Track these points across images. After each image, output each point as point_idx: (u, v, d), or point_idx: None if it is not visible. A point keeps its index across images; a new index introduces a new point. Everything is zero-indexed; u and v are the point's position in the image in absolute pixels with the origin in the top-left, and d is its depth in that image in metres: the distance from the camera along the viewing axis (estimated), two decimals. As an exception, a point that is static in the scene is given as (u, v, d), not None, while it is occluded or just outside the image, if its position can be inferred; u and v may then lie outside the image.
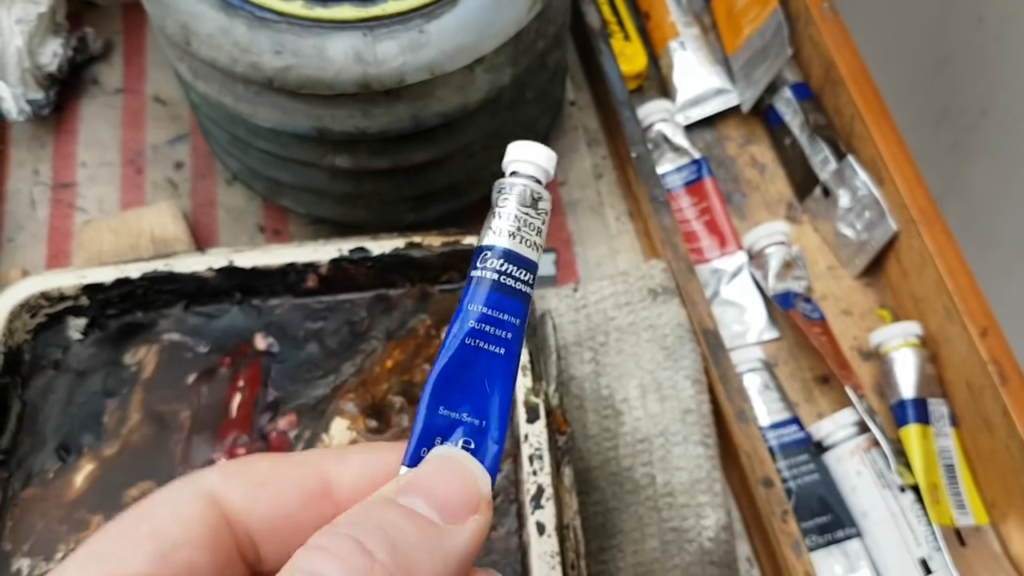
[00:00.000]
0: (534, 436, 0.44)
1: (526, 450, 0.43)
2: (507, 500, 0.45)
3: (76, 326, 0.50)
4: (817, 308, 0.55)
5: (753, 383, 0.54)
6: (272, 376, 0.50)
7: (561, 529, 0.42)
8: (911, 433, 0.52)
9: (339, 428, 0.48)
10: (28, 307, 0.47)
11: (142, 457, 0.47)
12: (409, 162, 0.53)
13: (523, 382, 0.45)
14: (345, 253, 0.51)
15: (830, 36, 0.59)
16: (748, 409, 0.50)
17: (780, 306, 0.55)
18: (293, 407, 0.49)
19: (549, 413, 0.45)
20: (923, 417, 0.52)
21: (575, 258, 0.60)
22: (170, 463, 0.47)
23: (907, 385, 0.53)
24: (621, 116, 0.60)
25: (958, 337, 0.51)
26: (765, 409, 0.53)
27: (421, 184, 0.55)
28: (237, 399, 0.48)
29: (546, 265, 0.60)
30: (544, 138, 0.61)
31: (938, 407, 0.53)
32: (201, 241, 0.60)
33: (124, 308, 0.50)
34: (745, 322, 0.58)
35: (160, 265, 0.50)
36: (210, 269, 0.50)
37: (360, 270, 0.51)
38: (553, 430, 0.45)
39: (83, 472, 0.47)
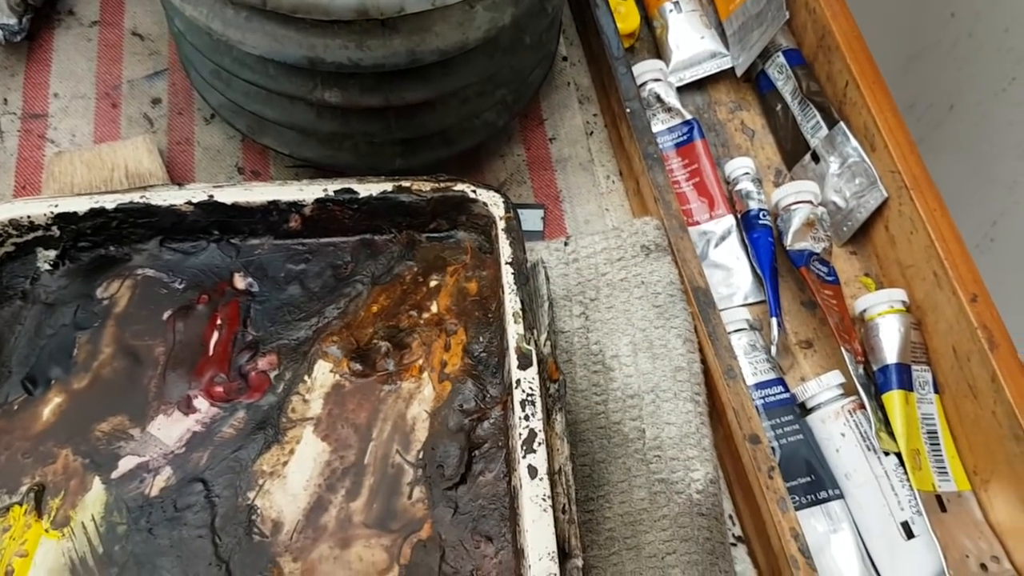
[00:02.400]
0: (526, 382, 0.43)
1: (518, 396, 0.42)
2: (496, 446, 0.44)
3: (46, 257, 0.48)
4: (834, 272, 0.55)
5: (740, 343, 0.53)
6: (252, 316, 0.48)
7: (552, 474, 0.41)
8: (894, 399, 0.52)
9: (322, 370, 0.47)
10: None
11: (113, 391, 0.45)
12: (402, 100, 0.51)
13: (515, 329, 0.44)
14: (331, 193, 0.49)
15: (826, 2, 0.59)
16: (736, 367, 0.49)
17: (794, 263, 0.55)
18: (274, 347, 0.47)
19: (541, 361, 0.44)
20: (906, 383, 0.52)
21: (563, 215, 0.59)
22: (143, 398, 0.45)
23: (891, 351, 0.53)
24: (616, 71, 0.59)
25: (946, 303, 0.51)
26: (751, 369, 0.52)
27: (411, 127, 0.54)
28: (215, 337, 0.46)
29: (534, 220, 0.59)
30: (536, 91, 0.60)
31: (922, 374, 0.53)
32: (177, 179, 0.57)
33: (97, 241, 0.48)
34: (732, 285, 0.57)
35: (136, 197, 0.48)
36: (188, 203, 0.48)
37: (346, 212, 0.50)
38: (545, 378, 0.44)
39: (51, 405, 0.45)
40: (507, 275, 0.46)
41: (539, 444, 0.40)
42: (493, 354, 0.46)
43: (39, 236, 0.47)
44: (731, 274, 0.58)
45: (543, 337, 0.46)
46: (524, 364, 0.43)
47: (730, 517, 0.49)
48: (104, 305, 0.47)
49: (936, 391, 0.53)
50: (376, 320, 0.48)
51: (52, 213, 0.46)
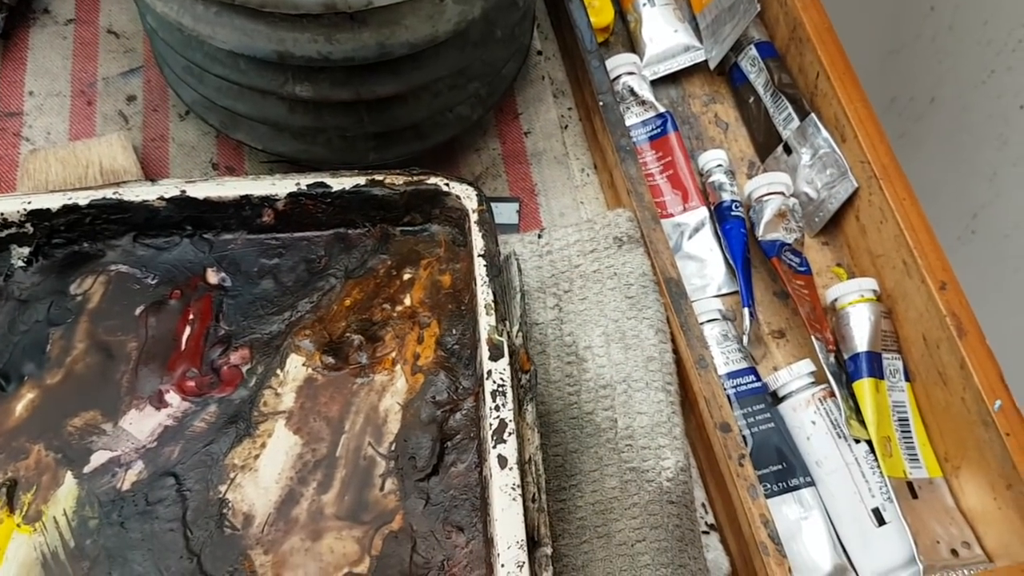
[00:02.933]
0: (497, 373, 0.43)
1: (489, 386, 0.42)
2: (468, 437, 0.44)
3: (19, 254, 0.48)
4: (806, 263, 0.56)
5: (712, 333, 0.53)
6: (224, 310, 0.48)
7: (522, 463, 0.41)
8: (864, 387, 0.52)
9: (294, 364, 0.47)
10: None
11: (86, 386, 0.45)
12: (373, 94, 0.51)
13: (487, 321, 0.44)
14: (304, 188, 0.49)
15: (798, -6, 0.59)
16: (707, 356, 0.50)
17: (765, 254, 0.55)
18: (246, 342, 0.47)
19: (512, 352, 0.44)
20: (877, 371, 0.53)
21: (539, 208, 0.59)
22: (115, 393, 0.45)
23: (861, 339, 0.53)
24: (589, 65, 0.59)
25: (916, 291, 0.52)
26: (723, 359, 0.53)
27: (384, 121, 0.54)
28: (187, 332, 0.47)
29: (509, 214, 0.59)
30: (510, 85, 0.60)
31: (892, 362, 0.54)
32: (152, 175, 0.58)
33: (70, 237, 0.48)
34: (706, 275, 0.58)
35: (109, 193, 0.48)
36: (161, 199, 0.48)
37: (319, 207, 0.50)
38: (516, 369, 0.44)
39: (23, 401, 0.45)
40: (479, 267, 0.47)
41: (509, 434, 0.41)
42: (466, 346, 0.47)
43: (12, 233, 0.47)
44: (704, 265, 0.58)
45: (515, 328, 0.46)
46: (495, 355, 0.44)
47: (703, 505, 0.50)
48: (78, 301, 0.47)
49: (907, 379, 0.54)
50: (349, 314, 0.48)
51: (25, 210, 0.46)
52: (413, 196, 0.50)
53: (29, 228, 0.47)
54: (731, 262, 0.56)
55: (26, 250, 0.47)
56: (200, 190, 0.48)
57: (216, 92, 0.53)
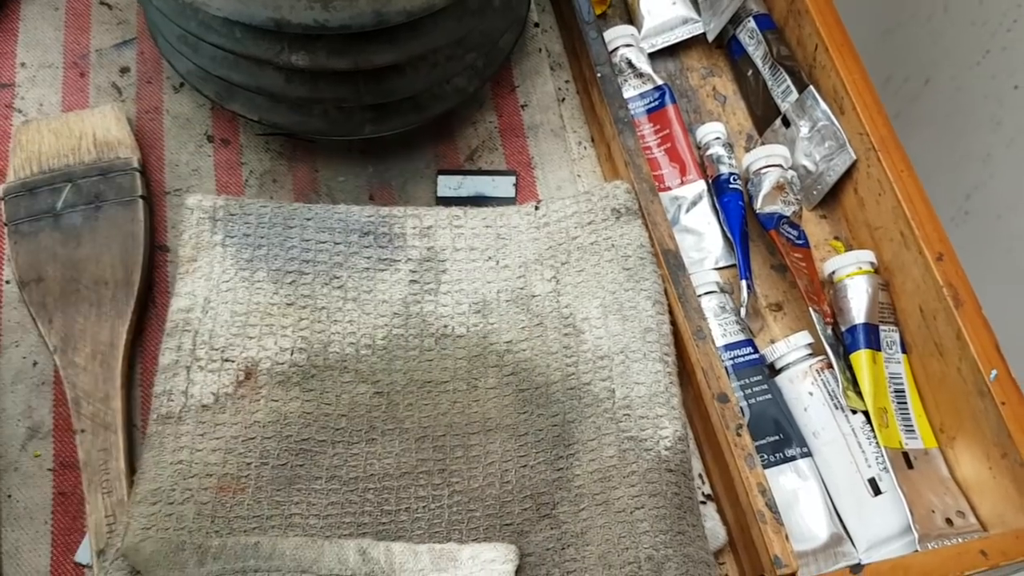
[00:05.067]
0: None
1: None
2: None
3: None
4: (803, 235, 0.55)
5: (710, 305, 0.53)
6: None
7: None
8: (861, 358, 0.52)
9: None
10: None
11: None
12: (370, 64, 0.51)
13: None
14: None
15: (797, -34, 0.59)
16: (705, 327, 0.50)
17: (764, 226, 0.55)
18: None
19: None
20: (874, 343, 0.53)
21: (535, 181, 0.59)
22: None
23: (859, 311, 0.53)
24: (586, 37, 0.59)
25: (913, 263, 0.52)
26: (721, 331, 0.53)
27: (381, 92, 0.54)
28: None
29: (506, 187, 0.59)
30: (507, 57, 0.60)
31: (889, 334, 0.54)
32: (147, 148, 0.57)
33: None
34: (704, 248, 0.57)
35: None
36: None
37: None
38: None
39: None
40: None
41: None
42: None
43: None
44: (702, 238, 0.58)
45: None
46: None
47: (700, 476, 0.50)
48: None
49: (904, 351, 0.54)
50: None
51: None
52: None
53: None
54: (729, 235, 0.56)
55: None
56: None
57: (211, 62, 0.53)
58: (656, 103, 0.61)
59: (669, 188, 0.59)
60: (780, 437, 0.50)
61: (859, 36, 1.21)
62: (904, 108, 1.11)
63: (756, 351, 0.53)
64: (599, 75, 0.57)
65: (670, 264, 0.52)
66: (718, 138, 0.59)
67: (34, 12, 0.61)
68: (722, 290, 0.54)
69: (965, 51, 0.98)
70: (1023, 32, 0.90)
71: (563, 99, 0.62)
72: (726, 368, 0.51)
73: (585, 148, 0.61)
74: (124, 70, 0.60)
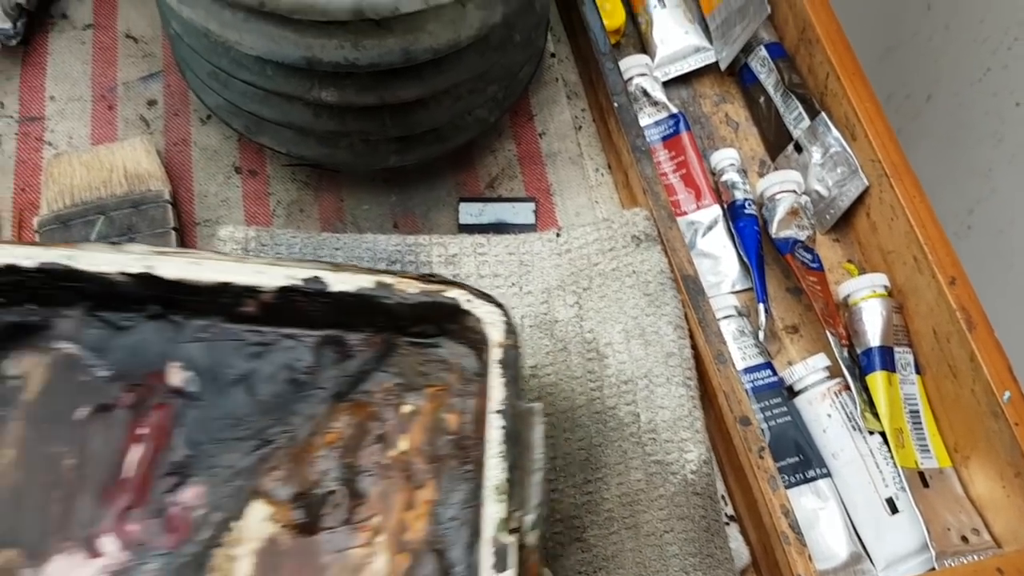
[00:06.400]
0: None
1: None
2: None
3: None
4: (818, 259, 0.57)
5: (728, 329, 0.55)
6: (185, 424, 0.38)
7: None
8: (877, 380, 0.54)
9: (256, 516, 0.37)
10: None
11: (8, 513, 0.36)
12: (396, 99, 0.52)
13: (495, 511, 0.34)
14: (298, 282, 0.38)
15: (807, -4, 0.61)
16: (726, 351, 0.51)
17: (779, 251, 0.56)
18: (204, 475, 0.37)
19: (523, 561, 0.34)
20: (889, 365, 0.54)
21: (554, 207, 0.61)
22: (43, 527, 0.36)
23: (874, 334, 0.55)
24: (603, 67, 0.60)
25: (927, 286, 0.53)
26: (740, 354, 0.54)
27: (406, 125, 0.55)
28: (136, 453, 0.38)
29: (526, 214, 0.60)
30: (526, 87, 0.61)
31: (904, 355, 0.55)
32: (175, 180, 0.58)
33: (14, 298, 0.39)
34: (720, 272, 0.59)
35: (61, 255, 0.38)
36: (122, 273, 0.38)
37: (311, 304, 0.39)
38: None
39: None
40: (494, 429, 0.36)
41: None
42: (465, 525, 0.37)
43: None
44: (719, 262, 0.59)
45: (530, 517, 0.35)
46: (500, 565, 0.33)
47: (722, 497, 0.51)
48: (12, 386, 0.38)
49: (918, 372, 0.55)
50: (331, 452, 0.38)
51: None
52: (427, 307, 0.39)
53: None
54: (745, 259, 0.58)
55: None
56: (171, 269, 0.38)
57: (241, 97, 0.54)
58: (671, 131, 0.62)
59: (685, 213, 0.61)
60: (800, 458, 0.52)
61: (862, 53, 1.22)
62: (906, 124, 1.12)
63: (775, 373, 0.54)
64: (616, 105, 0.59)
65: (690, 289, 0.53)
66: (732, 164, 0.60)
67: (62, 46, 0.63)
68: (740, 314, 0.56)
69: (966, 68, 0.99)
70: None
71: (580, 127, 0.64)
72: (746, 391, 0.53)
73: (602, 175, 0.62)
74: (151, 103, 0.61)
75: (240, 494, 0.37)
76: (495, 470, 0.35)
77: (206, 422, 0.38)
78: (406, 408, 0.39)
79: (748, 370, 0.54)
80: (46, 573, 0.35)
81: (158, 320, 0.40)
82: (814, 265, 0.57)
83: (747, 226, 0.58)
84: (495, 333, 0.38)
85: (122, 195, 0.56)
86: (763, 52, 0.63)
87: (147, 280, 0.38)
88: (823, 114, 0.59)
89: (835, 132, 0.58)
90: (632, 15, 0.68)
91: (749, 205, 0.59)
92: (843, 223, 0.60)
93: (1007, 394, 0.49)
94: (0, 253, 0.38)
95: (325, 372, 0.40)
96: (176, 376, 0.39)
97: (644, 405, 0.49)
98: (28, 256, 0.38)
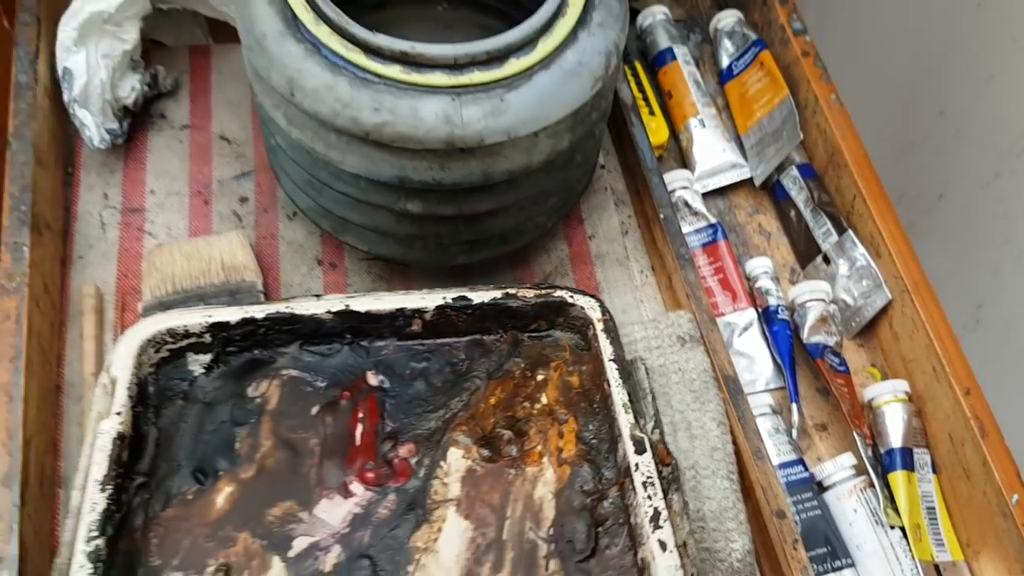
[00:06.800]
0: (644, 465, 0.49)
1: (639, 478, 0.48)
2: (617, 523, 0.50)
3: (198, 361, 0.53)
4: (844, 362, 0.63)
5: (764, 426, 0.60)
6: (388, 409, 0.54)
7: (679, 546, 0.47)
8: (898, 478, 0.59)
9: (455, 456, 0.53)
10: (154, 342, 0.52)
11: (279, 480, 0.51)
12: (472, 210, 0.59)
13: (626, 419, 0.51)
14: (449, 301, 0.56)
15: (836, 124, 0.68)
16: (763, 448, 0.57)
17: (810, 354, 0.62)
18: (410, 437, 0.53)
19: (653, 447, 0.50)
20: (908, 464, 0.60)
21: (603, 306, 0.67)
22: (306, 485, 0.51)
23: (895, 436, 0.60)
24: (650, 181, 0.67)
25: (944, 395, 0.59)
26: (775, 450, 0.60)
27: (477, 230, 0.61)
28: (360, 429, 0.53)
29: (577, 311, 0.66)
30: (579, 196, 0.68)
31: (922, 456, 0.61)
32: (264, 270, 0.64)
33: (245, 345, 0.54)
34: (755, 371, 0.65)
35: (282, 307, 0.54)
36: (328, 312, 0.54)
37: (460, 317, 0.56)
38: (657, 461, 0.50)
39: (223, 493, 0.50)
40: (611, 371, 0.53)
41: (664, 520, 0.47)
42: (603, 440, 0.53)
43: (192, 343, 0.53)
44: (753, 362, 0.65)
45: (650, 425, 0.52)
46: (640, 450, 0.49)
47: (758, 583, 0.56)
48: (257, 403, 0.53)
49: (934, 471, 0.61)
50: (495, 411, 0.54)
51: (206, 323, 0.52)
52: (542, 307, 0.57)
53: (208, 338, 0.53)
54: (779, 361, 0.63)
55: (205, 357, 0.53)
56: (361, 304, 0.55)
57: (333, 203, 0.60)
58: (710, 239, 0.69)
59: (723, 314, 0.67)
60: (828, 549, 0.57)
61: (877, 152, 1.29)
62: (918, 220, 1.18)
63: (806, 469, 0.59)
64: (662, 216, 0.65)
65: (730, 389, 0.59)
66: (766, 272, 0.66)
67: (161, 144, 0.70)
68: (774, 411, 0.61)
69: (976, 172, 1.05)
70: (1031, 158, 0.97)
71: (626, 232, 0.70)
72: (781, 485, 0.58)
73: (647, 276, 0.68)
74: (243, 199, 0.68)
75: (440, 445, 0.53)
76: (619, 395, 0.52)
77: (401, 405, 0.54)
78: (540, 377, 0.56)
79: (782, 465, 0.59)
80: (317, 511, 0.50)
81: (351, 346, 0.56)
82: (841, 368, 0.63)
83: (780, 331, 0.64)
84: (594, 314, 0.55)
85: (219, 284, 0.62)
86: (795, 172, 0.70)
87: (345, 314, 0.54)
88: (850, 231, 0.66)
89: (861, 248, 0.65)
90: (674, 132, 0.75)
91: (782, 311, 0.65)
92: (867, 330, 0.66)
93: (1015, 497, 0.55)
94: (237, 311, 0.53)
95: (476, 363, 0.56)
96: (373, 379, 0.55)
97: (692, 495, 0.54)
98: (260, 310, 0.54)
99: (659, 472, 0.49)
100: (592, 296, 0.56)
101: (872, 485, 0.59)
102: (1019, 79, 0.94)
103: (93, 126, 0.65)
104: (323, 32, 0.53)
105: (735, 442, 0.58)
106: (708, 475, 0.55)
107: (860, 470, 0.60)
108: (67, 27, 0.62)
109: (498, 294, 0.56)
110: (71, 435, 0.57)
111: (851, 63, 1.18)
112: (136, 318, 0.61)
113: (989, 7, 0.98)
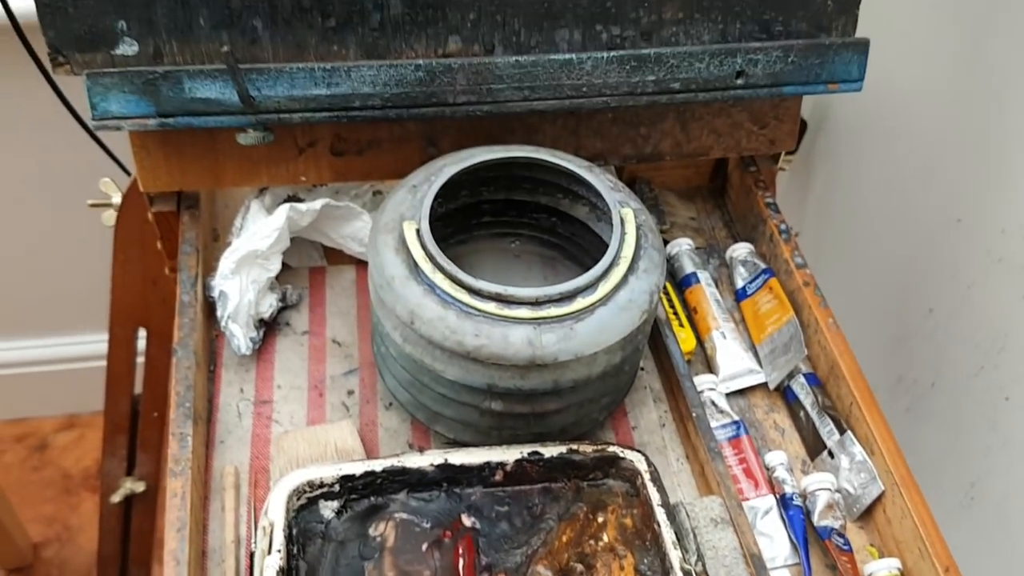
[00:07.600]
0: None
1: None
2: None
3: (329, 507, 0.68)
4: (848, 543, 0.75)
5: (782, 597, 0.72)
6: (481, 546, 0.67)
7: None
8: (897, 644, 0.70)
9: None
10: (297, 491, 0.67)
11: None
12: (542, 409, 0.74)
13: (676, 555, 0.65)
14: (525, 455, 0.71)
15: (834, 344, 0.83)
16: (782, 616, 0.69)
17: (820, 535, 0.75)
18: (502, 569, 0.67)
19: None
20: (906, 632, 0.71)
21: (645, 489, 0.80)
22: None
23: (893, 606, 0.72)
24: (683, 385, 0.82)
25: (928, 571, 0.71)
26: (792, 617, 0.71)
27: (543, 424, 0.76)
28: (461, 563, 0.66)
29: (623, 492, 0.79)
30: (625, 395, 0.83)
31: (917, 625, 0.72)
32: (367, 453, 0.79)
33: (364, 493, 0.69)
34: (774, 549, 0.77)
35: (395, 461, 0.70)
36: (431, 464, 0.70)
37: (534, 468, 0.71)
38: None
39: None
40: (660, 514, 0.67)
41: None
42: (656, 572, 0.66)
43: (324, 491, 0.68)
44: (773, 541, 0.78)
45: (693, 558, 0.65)
46: None
47: None
48: (378, 541, 0.66)
49: (928, 639, 0.72)
50: (568, 547, 0.68)
51: (337, 475, 0.68)
52: (599, 460, 0.72)
53: (337, 488, 0.68)
54: (795, 542, 0.76)
55: (335, 503, 0.68)
56: (456, 458, 0.70)
57: (430, 400, 0.76)
58: (734, 433, 0.83)
59: (747, 499, 0.80)
60: None
61: (876, 340, 1.41)
62: (915, 403, 1.30)
63: (818, 634, 0.71)
64: (695, 415, 0.80)
65: (756, 566, 0.71)
66: (782, 464, 0.80)
67: (286, 347, 0.86)
68: (790, 584, 0.74)
69: (963, 364, 1.17)
70: (1011, 355, 1.09)
71: (663, 424, 0.85)
72: (797, 647, 0.70)
73: (682, 464, 0.82)
74: (350, 392, 0.83)
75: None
76: (668, 535, 0.66)
77: (492, 542, 0.68)
78: (600, 519, 0.70)
79: (798, 630, 0.71)
80: None
81: (447, 493, 0.70)
82: (846, 548, 0.75)
83: (796, 515, 0.77)
84: (642, 466, 0.71)
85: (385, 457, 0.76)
86: (802, 379, 0.85)
87: (444, 466, 0.69)
88: (849, 432, 0.80)
89: (858, 447, 0.79)
90: (700, 341, 0.91)
91: (796, 497, 0.78)
92: (866, 515, 0.79)
93: (995, 662, 0.66)
94: (361, 464, 0.68)
95: (548, 507, 0.70)
96: (467, 520, 0.69)
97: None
98: (379, 464, 0.69)
99: None
100: (639, 451, 0.71)
101: (874, 649, 0.70)
102: (995, 288, 1.08)
103: (241, 336, 0.81)
104: (438, 277, 0.70)
105: (759, 610, 0.70)
106: (737, 636, 0.67)
107: (864, 637, 0.71)
108: (228, 260, 0.80)
109: (563, 449, 0.71)
110: (216, 594, 0.70)
111: (846, 266, 1.35)
112: (266, 494, 0.75)
113: (967, 223, 1.15)
